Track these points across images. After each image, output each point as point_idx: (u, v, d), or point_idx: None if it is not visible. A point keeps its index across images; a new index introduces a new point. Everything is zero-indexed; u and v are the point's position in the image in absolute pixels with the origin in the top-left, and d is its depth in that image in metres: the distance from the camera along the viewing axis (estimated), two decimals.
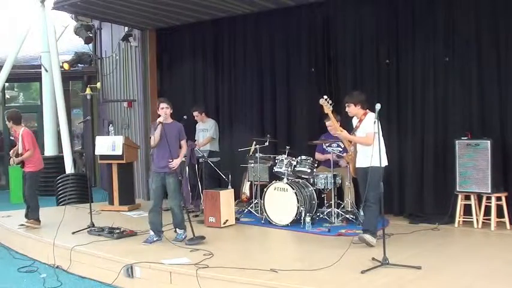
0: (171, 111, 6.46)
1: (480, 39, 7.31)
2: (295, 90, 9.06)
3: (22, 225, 7.55)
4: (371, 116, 6.00)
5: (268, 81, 9.43)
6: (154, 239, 6.54)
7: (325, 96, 6.29)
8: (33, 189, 7.57)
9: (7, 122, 7.63)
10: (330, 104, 6.27)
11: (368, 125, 5.96)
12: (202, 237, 6.42)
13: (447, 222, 7.19)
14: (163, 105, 6.39)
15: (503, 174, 7.11)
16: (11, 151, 7.66)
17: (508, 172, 7.14)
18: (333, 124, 6.59)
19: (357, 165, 6.27)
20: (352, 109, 6.21)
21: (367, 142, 5.96)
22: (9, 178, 12.01)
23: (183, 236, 6.53)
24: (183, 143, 6.60)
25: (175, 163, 6.34)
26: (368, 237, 6.01)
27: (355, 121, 6.33)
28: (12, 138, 9.72)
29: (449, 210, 7.21)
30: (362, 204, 7.26)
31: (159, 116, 6.40)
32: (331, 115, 6.39)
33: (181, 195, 6.73)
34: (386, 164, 6.14)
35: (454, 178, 7.14)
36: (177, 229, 6.63)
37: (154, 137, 6.31)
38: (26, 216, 7.60)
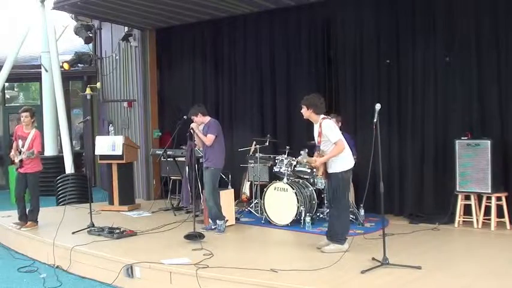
0: (201, 115, 7.13)
1: (480, 39, 7.31)
2: (295, 90, 9.05)
3: (16, 223, 7.52)
4: (328, 124, 5.82)
5: (269, 81, 9.43)
6: (212, 227, 7.07)
7: (302, 152, 6.47)
8: (37, 190, 7.56)
9: (29, 118, 7.44)
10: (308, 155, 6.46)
11: (331, 134, 5.76)
12: (201, 235, 6.44)
13: (447, 222, 7.19)
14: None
15: (503, 174, 7.11)
16: (12, 153, 7.52)
17: (508, 172, 7.15)
18: (311, 163, 6.27)
19: (330, 171, 5.89)
20: (304, 111, 5.96)
21: (339, 151, 5.76)
22: (9, 178, 12.00)
23: (224, 226, 7.06)
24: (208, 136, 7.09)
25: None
26: (332, 248, 5.81)
27: (316, 128, 6.00)
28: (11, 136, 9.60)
29: (449, 210, 7.22)
30: (362, 204, 7.31)
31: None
32: (309, 159, 6.38)
33: (215, 189, 7.13)
34: (352, 166, 5.95)
35: (454, 178, 7.15)
36: (217, 221, 7.09)
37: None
38: (21, 218, 7.53)
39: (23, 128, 7.50)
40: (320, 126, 5.85)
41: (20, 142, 7.45)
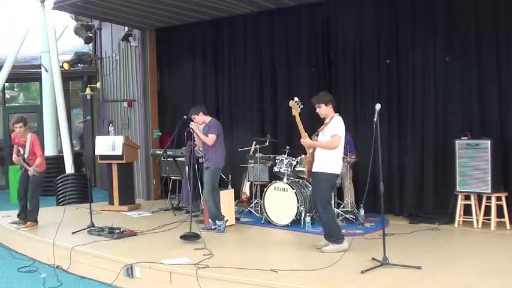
0: (202, 114, 7.14)
1: (480, 39, 7.31)
2: (296, 90, 9.01)
3: (14, 223, 7.53)
4: (337, 119, 5.86)
5: (269, 81, 9.43)
6: (212, 227, 7.10)
7: (296, 98, 5.84)
8: (39, 190, 7.56)
9: (21, 127, 7.38)
10: (299, 107, 5.82)
11: (334, 127, 5.81)
12: (197, 236, 6.43)
13: (447, 222, 7.20)
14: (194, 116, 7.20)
15: (503, 174, 7.11)
16: (15, 157, 7.49)
17: (508, 172, 7.14)
18: (299, 128, 5.99)
19: (315, 170, 5.92)
20: (323, 109, 5.92)
21: (331, 146, 5.77)
22: (9, 178, 12.00)
23: (224, 226, 7.06)
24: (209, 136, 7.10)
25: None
26: (331, 248, 5.82)
27: (326, 121, 6.03)
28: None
29: (449, 210, 7.22)
30: (362, 204, 7.31)
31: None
32: (298, 119, 5.90)
33: (214, 189, 7.11)
34: (338, 172, 5.99)
35: (454, 178, 7.15)
36: (216, 221, 7.09)
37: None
38: (19, 215, 7.54)
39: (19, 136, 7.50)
40: (331, 119, 5.89)
41: (21, 149, 7.46)
